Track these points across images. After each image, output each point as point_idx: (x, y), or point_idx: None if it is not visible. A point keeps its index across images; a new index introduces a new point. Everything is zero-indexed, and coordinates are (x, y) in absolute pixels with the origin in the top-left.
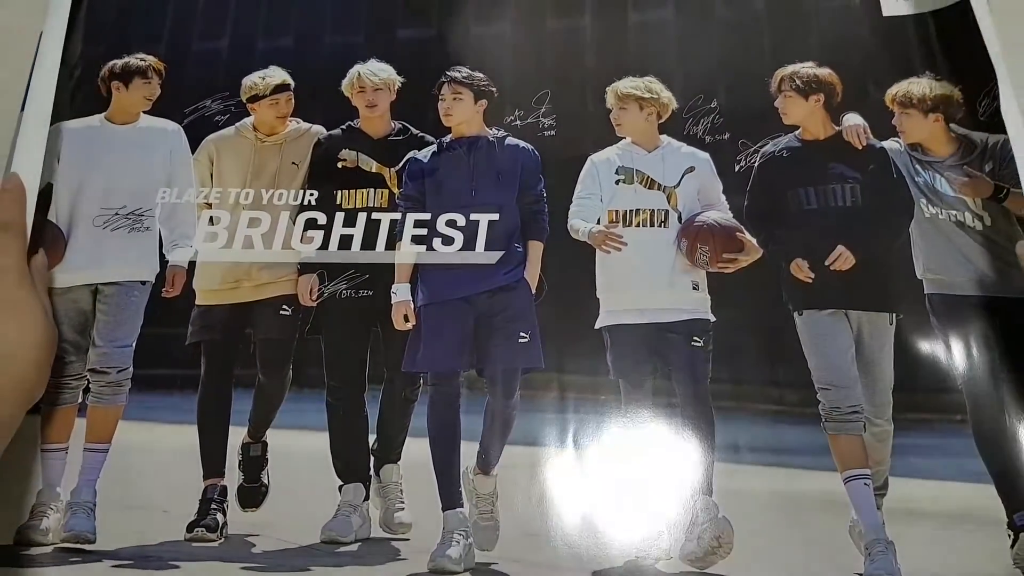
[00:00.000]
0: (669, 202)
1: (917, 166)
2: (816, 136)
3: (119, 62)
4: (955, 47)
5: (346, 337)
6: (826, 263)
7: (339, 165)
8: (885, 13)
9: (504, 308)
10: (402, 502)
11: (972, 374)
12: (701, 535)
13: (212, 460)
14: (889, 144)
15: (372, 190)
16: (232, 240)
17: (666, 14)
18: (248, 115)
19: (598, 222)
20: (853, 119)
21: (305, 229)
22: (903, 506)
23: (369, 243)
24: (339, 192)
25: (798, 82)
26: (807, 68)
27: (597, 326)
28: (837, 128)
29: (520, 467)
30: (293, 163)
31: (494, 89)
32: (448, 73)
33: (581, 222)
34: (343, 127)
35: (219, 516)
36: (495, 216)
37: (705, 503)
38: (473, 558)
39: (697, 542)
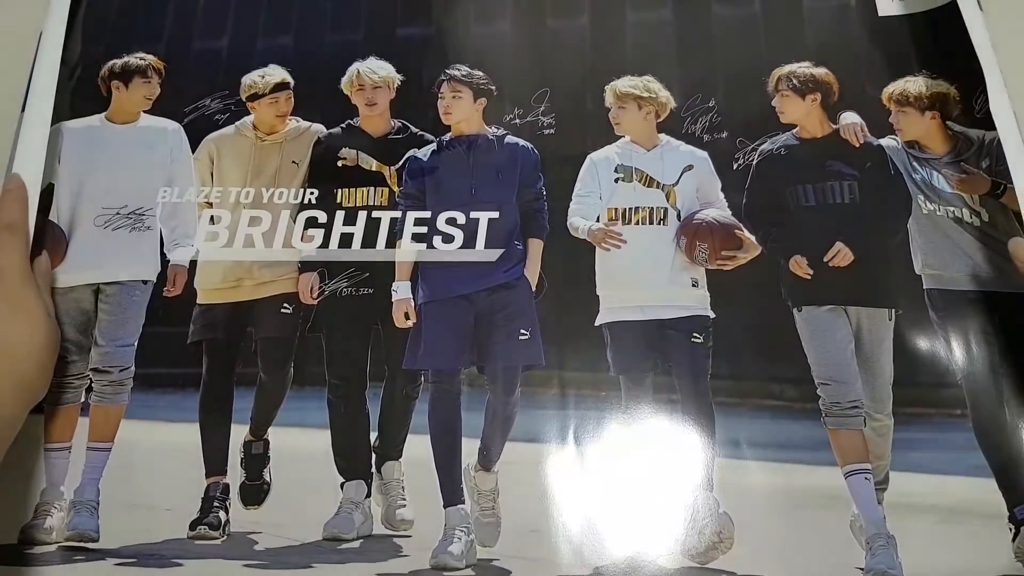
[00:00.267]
0: (668, 200)
1: (915, 163)
2: (814, 134)
3: (119, 62)
4: (950, 46)
5: (347, 335)
6: (825, 259)
7: (339, 164)
8: (881, 13)
9: (504, 305)
10: (404, 499)
11: (971, 368)
12: (702, 531)
13: (214, 458)
14: (886, 141)
15: (372, 188)
16: (233, 239)
17: (664, 14)
18: (248, 114)
19: (597, 220)
20: (850, 117)
21: (306, 228)
22: (904, 500)
23: (369, 241)
24: (339, 190)
25: (795, 81)
26: (804, 68)
27: (597, 323)
28: (835, 126)
29: (521, 463)
30: (293, 162)
31: (493, 87)
32: (448, 71)
33: (581, 220)
34: (343, 125)
35: (221, 514)
36: (495, 214)
37: (706, 499)
38: (475, 554)
39: (698, 537)
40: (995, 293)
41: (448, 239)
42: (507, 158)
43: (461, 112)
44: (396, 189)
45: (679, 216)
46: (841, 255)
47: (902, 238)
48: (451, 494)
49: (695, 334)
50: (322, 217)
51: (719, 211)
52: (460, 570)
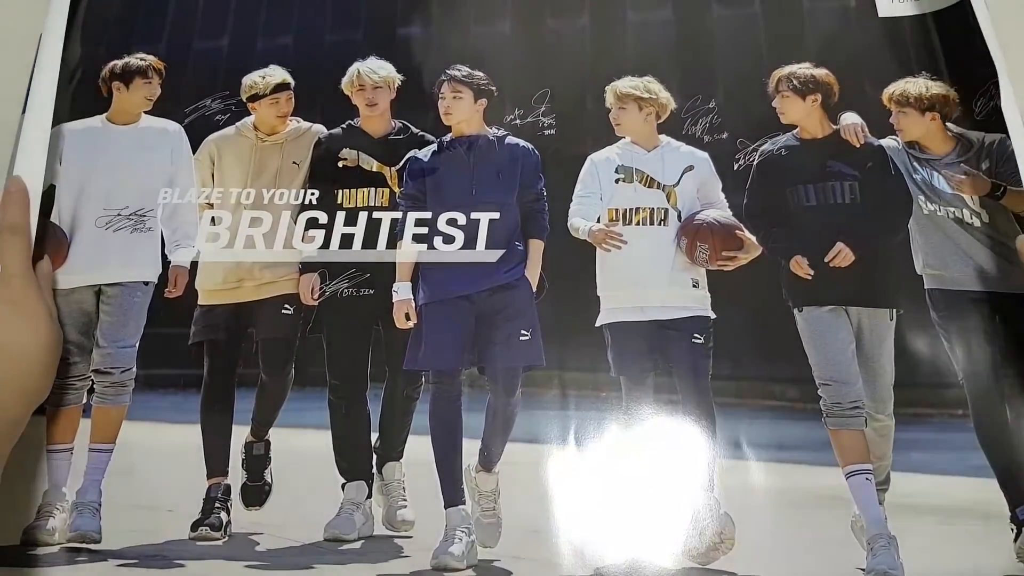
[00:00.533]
0: (668, 200)
1: (915, 163)
2: (814, 135)
3: (119, 62)
4: (950, 48)
5: (348, 336)
6: (825, 260)
7: (340, 164)
8: (881, 14)
9: (505, 306)
10: (404, 500)
11: (973, 368)
12: (703, 531)
13: (215, 459)
14: (887, 142)
15: (373, 189)
16: (234, 240)
17: (664, 14)
18: (248, 114)
19: (598, 220)
20: (851, 118)
21: (306, 228)
22: (905, 501)
23: (370, 242)
24: (340, 191)
25: (795, 82)
26: (804, 68)
27: (598, 324)
28: (835, 127)
29: (522, 464)
30: (294, 162)
31: (494, 88)
32: (448, 72)
33: (581, 220)
34: (343, 126)
35: (223, 515)
36: (495, 215)
37: (707, 499)
38: (476, 555)
39: (699, 538)
40: (996, 293)
41: (449, 240)
42: (508, 159)
43: (462, 113)
44: (397, 190)
45: (679, 217)
46: (842, 255)
47: (903, 238)
48: (452, 495)
49: (696, 335)
50: (323, 218)
51: (720, 212)
52: (461, 571)
